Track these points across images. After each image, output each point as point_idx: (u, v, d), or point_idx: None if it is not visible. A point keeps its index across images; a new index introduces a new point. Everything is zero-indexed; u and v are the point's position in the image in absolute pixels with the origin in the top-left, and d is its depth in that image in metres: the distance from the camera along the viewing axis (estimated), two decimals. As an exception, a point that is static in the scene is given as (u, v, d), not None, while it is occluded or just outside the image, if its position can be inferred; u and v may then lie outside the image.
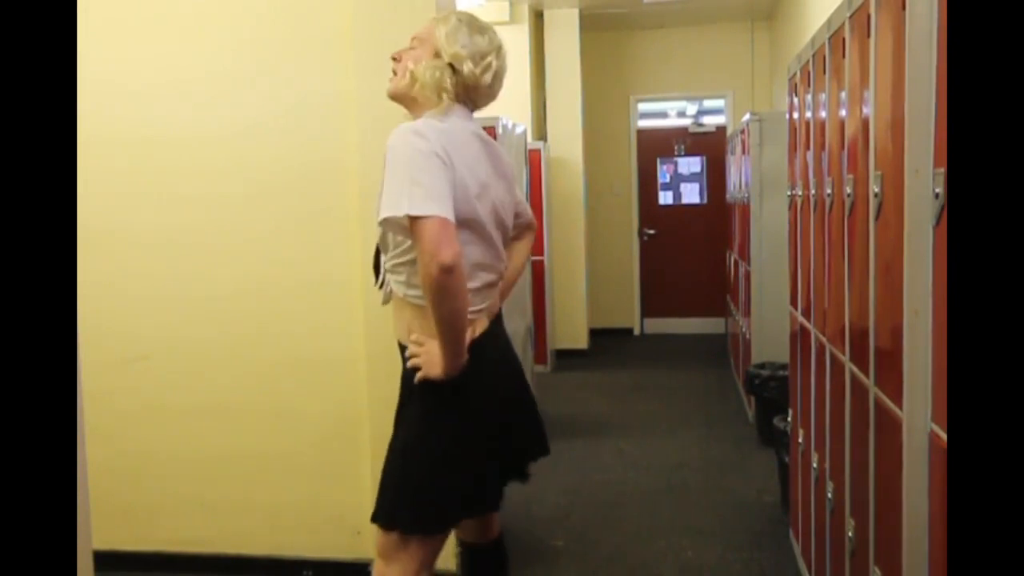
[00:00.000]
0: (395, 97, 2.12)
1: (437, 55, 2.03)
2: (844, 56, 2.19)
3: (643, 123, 8.38)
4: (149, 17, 3.17)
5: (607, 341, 7.73)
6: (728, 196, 6.82)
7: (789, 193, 3.28)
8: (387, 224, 1.87)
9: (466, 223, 1.92)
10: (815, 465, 2.65)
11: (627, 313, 8.30)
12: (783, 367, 4.13)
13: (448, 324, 1.85)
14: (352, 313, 3.07)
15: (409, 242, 1.90)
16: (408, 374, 2.05)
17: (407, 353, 2.02)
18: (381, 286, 2.08)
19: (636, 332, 8.32)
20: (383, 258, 2.05)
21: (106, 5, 3.14)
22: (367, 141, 2.99)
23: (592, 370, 6.73)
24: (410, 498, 1.99)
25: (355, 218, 3.03)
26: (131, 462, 3.25)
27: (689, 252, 8.24)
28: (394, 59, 2.11)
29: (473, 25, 2.06)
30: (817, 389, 2.64)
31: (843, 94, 2.22)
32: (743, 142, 5.28)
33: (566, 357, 6.98)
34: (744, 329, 5.42)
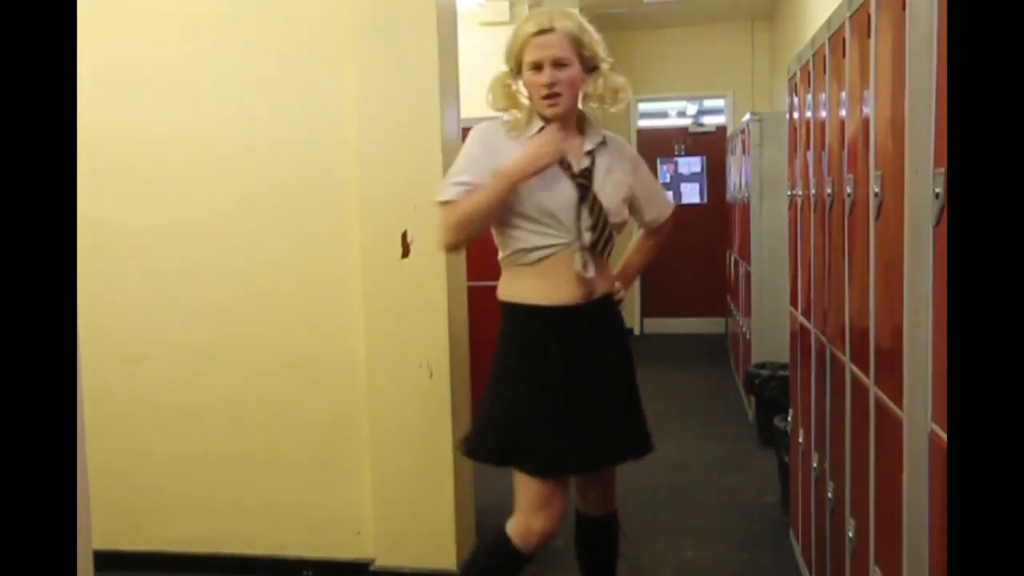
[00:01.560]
0: (559, 117, 2.20)
1: (593, 67, 2.19)
2: (844, 56, 2.19)
3: (643, 123, 8.38)
4: (153, 18, 3.17)
5: (607, 341, 7.71)
6: (728, 196, 6.82)
7: (789, 193, 3.28)
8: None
9: None
10: (815, 465, 2.65)
11: (627, 313, 8.26)
12: (783, 367, 4.13)
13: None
14: (353, 313, 3.07)
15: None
16: (613, 323, 2.31)
17: (622, 294, 2.35)
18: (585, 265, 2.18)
19: (636, 332, 8.32)
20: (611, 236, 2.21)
21: (110, 6, 3.14)
22: (368, 142, 2.99)
23: (592, 370, 6.72)
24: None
25: (356, 219, 3.03)
26: (131, 462, 3.25)
27: (689, 252, 8.23)
28: (552, 84, 2.13)
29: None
30: (817, 389, 2.64)
31: (843, 94, 2.22)
32: (743, 142, 5.27)
33: (566, 357, 6.96)
34: (744, 329, 5.42)
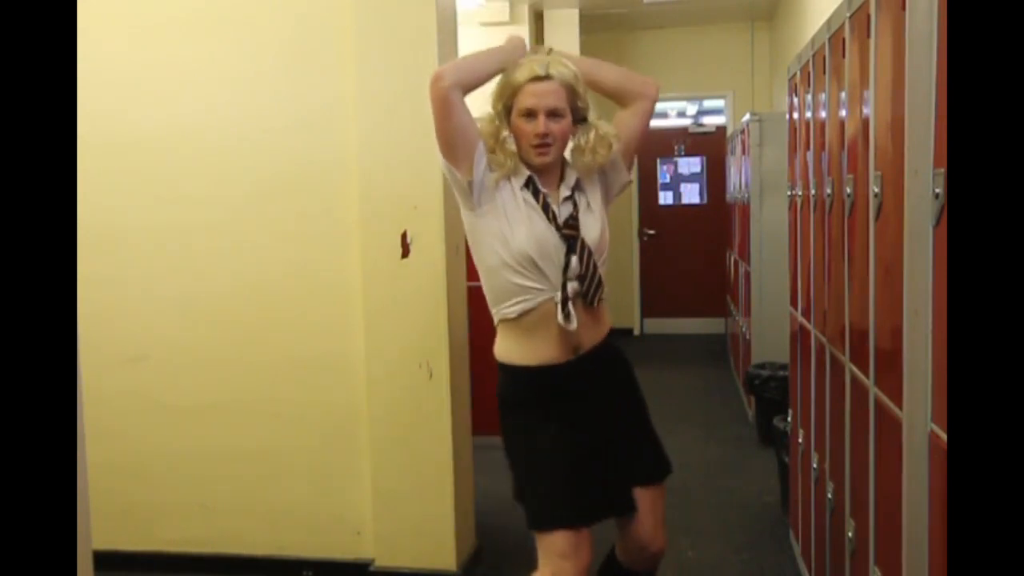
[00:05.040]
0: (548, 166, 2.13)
1: (582, 116, 2.13)
2: (844, 56, 2.19)
3: (643, 123, 8.36)
4: (153, 18, 3.17)
5: (607, 341, 7.71)
6: (728, 196, 6.83)
7: (789, 193, 3.28)
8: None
9: None
10: (815, 465, 2.65)
11: (627, 313, 8.29)
12: (783, 367, 4.13)
13: None
14: (352, 313, 3.07)
15: None
16: (611, 370, 2.20)
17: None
18: (568, 317, 2.06)
19: (636, 332, 8.32)
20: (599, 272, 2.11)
21: (110, 6, 3.14)
22: (367, 143, 2.99)
23: (592, 370, 6.71)
24: None
25: (355, 219, 3.03)
26: (131, 462, 3.25)
27: (689, 252, 8.24)
28: (546, 135, 2.06)
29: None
30: (817, 389, 2.64)
31: (843, 94, 2.22)
32: (743, 142, 5.28)
33: (566, 357, 6.96)
34: (744, 329, 5.42)
